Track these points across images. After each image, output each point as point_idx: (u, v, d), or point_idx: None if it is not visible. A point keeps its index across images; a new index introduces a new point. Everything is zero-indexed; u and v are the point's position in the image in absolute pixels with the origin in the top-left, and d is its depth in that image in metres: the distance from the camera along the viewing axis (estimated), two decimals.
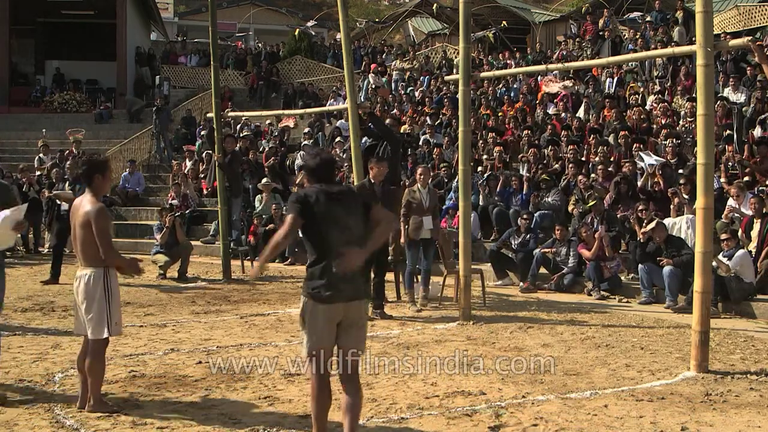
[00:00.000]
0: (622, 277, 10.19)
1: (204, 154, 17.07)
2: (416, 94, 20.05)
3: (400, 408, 5.17)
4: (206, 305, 9.18)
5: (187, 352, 6.74)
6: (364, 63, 24.42)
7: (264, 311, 8.80)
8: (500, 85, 18.63)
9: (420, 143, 15.56)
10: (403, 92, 20.71)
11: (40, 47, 27.77)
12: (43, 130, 20.58)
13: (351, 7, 39.44)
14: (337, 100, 19.94)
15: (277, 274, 11.63)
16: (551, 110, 16.07)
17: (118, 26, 25.11)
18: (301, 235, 4.26)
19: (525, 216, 11.03)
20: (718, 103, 12.49)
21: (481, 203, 12.29)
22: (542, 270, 10.49)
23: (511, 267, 11.05)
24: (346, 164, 13.96)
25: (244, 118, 18.37)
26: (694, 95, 11.81)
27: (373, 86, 20.37)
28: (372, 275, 8.23)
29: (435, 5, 28.57)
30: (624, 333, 7.63)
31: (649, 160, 11.07)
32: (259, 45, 29.90)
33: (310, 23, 33.22)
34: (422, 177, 9.10)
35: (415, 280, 9.28)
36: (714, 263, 8.16)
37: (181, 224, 12.20)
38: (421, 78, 21.44)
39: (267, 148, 16.92)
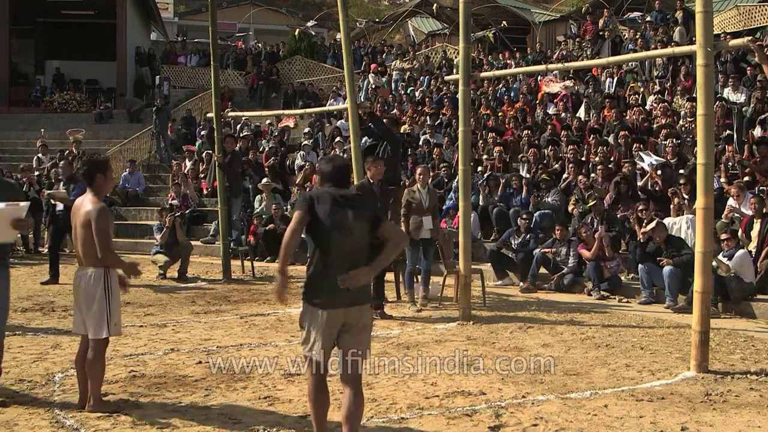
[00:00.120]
0: (622, 277, 10.19)
1: (204, 154, 17.08)
2: (416, 94, 20.05)
3: (400, 408, 5.17)
4: (206, 305, 9.18)
5: (187, 352, 6.74)
6: (364, 63, 24.42)
7: (264, 311, 8.80)
8: (500, 85, 18.63)
9: (420, 143, 15.56)
10: (403, 92, 20.72)
11: (40, 47, 27.78)
12: (42, 130, 20.58)
13: (351, 7, 39.45)
14: (337, 100, 19.95)
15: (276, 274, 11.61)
16: (551, 110, 16.07)
17: (118, 26, 25.12)
18: (304, 235, 4.23)
19: (525, 216, 11.03)
20: (717, 103, 12.49)
21: (481, 203, 12.29)
22: (542, 270, 10.49)
23: (511, 267, 11.05)
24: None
25: (244, 118, 18.38)
26: (694, 95, 11.81)
27: (373, 86, 20.37)
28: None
29: (435, 5, 28.58)
30: (624, 333, 7.63)
31: (649, 159, 11.07)
32: (259, 45, 29.88)
33: (310, 23, 33.24)
34: (422, 177, 9.10)
35: (415, 280, 9.29)
36: (714, 263, 8.16)
37: (181, 224, 12.20)
38: (421, 78, 21.44)
39: (267, 148, 16.94)
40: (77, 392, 5.19)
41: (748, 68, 14.72)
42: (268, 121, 20.17)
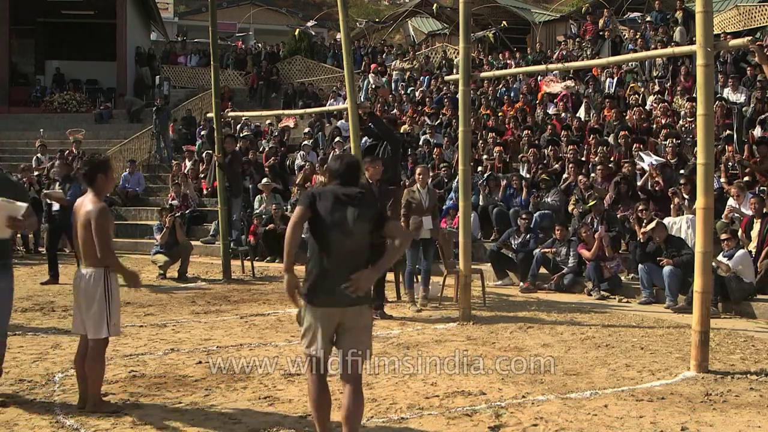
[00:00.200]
0: (622, 277, 10.19)
1: (204, 154, 17.08)
2: (416, 94, 20.05)
3: (400, 408, 5.17)
4: (206, 305, 9.18)
5: (187, 352, 6.74)
6: (364, 63, 24.43)
7: (264, 311, 8.80)
8: (500, 85, 18.63)
9: (420, 143, 15.56)
10: (403, 92, 20.72)
11: (40, 47, 27.79)
12: (41, 130, 20.57)
13: (351, 7, 39.46)
14: (337, 100, 19.94)
15: (277, 274, 11.63)
16: (551, 110, 16.08)
17: (118, 26, 25.13)
18: (304, 234, 4.21)
19: (524, 216, 11.03)
20: (717, 103, 12.50)
21: (481, 203, 12.29)
22: (542, 270, 10.49)
23: (511, 267, 11.05)
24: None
25: (244, 118, 18.38)
26: (694, 95, 11.81)
27: (373, 86, 20.36)
28: None
29: (435, 5, 28.58)
30: (624, 333, 7.63)
31: (649, 159, 11.07)
32: (259, 45, 29.88)
33: (310, 23, 33.24)
34: (421, 177, 9.11)
35: (415, 280, 9.29)
36: (714, 263, 8.16)
37: (181, 224, 12.20)
38: (421, 78, 21.44)
39: (267, 148, 16.94)
40: (77, 392, 5.19)
41: (748, 68, 14.72)
42: (268, 121, 20.17)
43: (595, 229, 10.25)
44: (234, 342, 7.19)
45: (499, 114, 16.62)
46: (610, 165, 12.14)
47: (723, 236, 9.04)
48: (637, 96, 15.21)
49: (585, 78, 17.32)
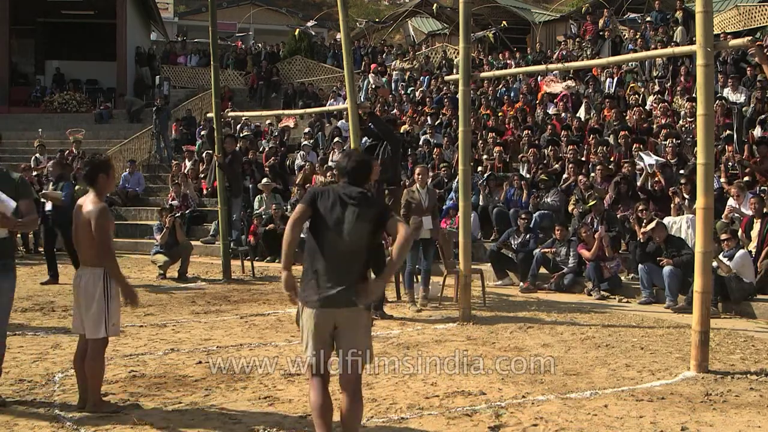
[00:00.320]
0: (622, 277, 10.19)
1: (204, 154, 17.08)
2: (416, 94, 20.06)
3: (400, 408, 5.17)
4: (206, 305, 9.18)
5: (187, 352, 6.74)
6: (364, 63, 24.43)
7: (264, 311, 8.80)
8: (500, 85, 18.63)
9: (420, 143, 15.56)
10: (403, 92, 20.72)
11: (40, 47, 27.79)
12: (40, 130, 20.56)
13: (351, 7, 39.47)
14: (337, 100, 19.95)
15: (277, 274, 11.62)
16: (551, 110, 16.08)
17: (118, 26, 25.13)
18: (304, 234, 4.18)
19: (524, 216, 11.03)
20: (717, 102, 12.50)
21: (481, 203, 12.29)
22: (542, 270, 10.49)
23: (511, 267, 11.05)
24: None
25: (244, 118, 18.38)
26: (694, 95, 11.81)
27: (373, 86, 20.37)
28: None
29: (435, 5, 28.58)
30: (624, 333, 7.63)
31: (649, 160, 11.07)
32: (259, 45, 29.88)
33: (310, 23, 33.25)
34: (420, 177, 9.11)
35: (415, 280, 9.29)
36: (714, 263, 8.16)
37: (181, 224, 12.20)
38: (421, 78, 21.45)
39: (267, 148, 16.94)
40: (77, 392, 5.18)
41: (748, 68, 14.72)
42: (268, 121, 20.18)
43: (595, 229, 10.26)
44: (234, 342, 7.19)
45: (499, 114, 16.63)
46: (610, 167, 12.12)
47: (723, 236, 9.04)
48: (637, 96, 15.21)
49: (585, 78, 17.32)
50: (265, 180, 14.81)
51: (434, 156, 14.49)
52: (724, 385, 5.72)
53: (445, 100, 17.82)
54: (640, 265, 9.49)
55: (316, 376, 4.09)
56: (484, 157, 13.69)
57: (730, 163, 11.37)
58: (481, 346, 7.00)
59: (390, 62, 24.04)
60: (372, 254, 4.12)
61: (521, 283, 10.53)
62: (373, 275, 8.46)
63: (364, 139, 10.88)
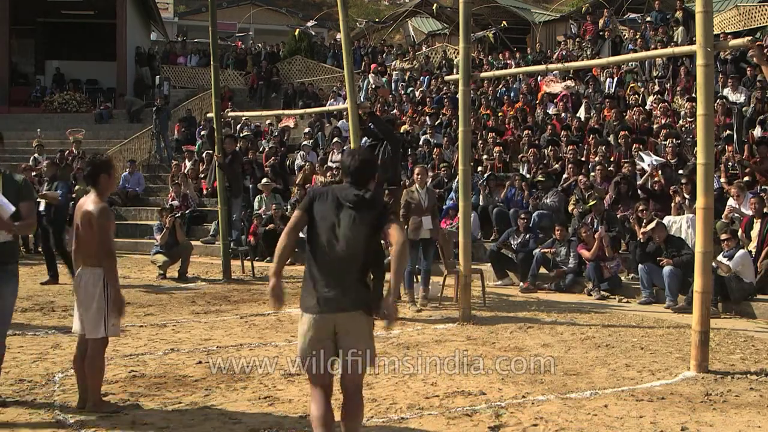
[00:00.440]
0: (622, 277, 10.19)
1: (204, 154, 17.08)
2: (416, 94, 20.05)
3: (400, 408, 5.17)
4: (206, 305, 9.18)
5: (187, 352, 6.74)
6: (364, 63, 24.44)
7: (264, 311, 8.79)
8: (500, 85, 18.63)
9: (420, 143, 15.56)
10: (403, 92, 20.71)
11: (40, 47, 27.78)
12: (38, 130, 20.55)
13: (351, 7, 39.46)
14: (337, 100, 19.95)
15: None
16: (551, 110, 16.08)
17: (118, 26, 25.12)
18: (304, 234, 4.11)
19: (523, 216, 11.03)
20: (718, 101, 12.50)
21: (481, 203, 12.29)
22: (542, 270, 10.49)
23: (511, 267, 11.05)
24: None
25: (244, 118, 18.38)
26: (694, 95, 11.81)
27: (373, 86, 20.38)
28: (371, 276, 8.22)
29: (435, 5, 28.58)
30: (624, 333, 7.63)
31: (649, 159, 11.07)
32: (259, 45, 29.88)
33: (310, 23, 33.25)
34: (420, 177, 9.11)
35: (415, 280, 9.28)
36: (714, 263, 8.16)
37: (181, 224, 12.20)
38: (421, 78, 21.44)
39: (267, 148, 16.94)
40: (77, 392, 5.18)
41: (748, 68, 14.72)
42: (268, 121, 20.17)
43: (595, 229, 10.26)
44: (234, 342, 7.19)
45: (499, 114, 16.62)
46: (610, 169, 12.12)
47: (723, 236, 9.04)
48: (637, 96, 15.22)
49: (585, 78, 17.32)
50: (265, 180, 14.81)
51: (434, 156, 14.49)
52: (724, 385, 5.72)
53: (445, 100, 17.82)
54: (640, 265, 9.49)
55: (317, 387, 3.94)
56: (484, 157, 13.69)
57: (730, 163, 11.37)
58: (481, 346, 7.00)
59: (390, 62, 24.04)
60: (371, 257, 4.00)
61: (521, 283, 10.53)
62: (372, 276, 8.50)
63: (364, 139, 10.88)
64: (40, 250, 14.06)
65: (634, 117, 14.00)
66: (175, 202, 15.09)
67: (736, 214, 9.96)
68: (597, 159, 12.53)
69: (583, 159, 12.82)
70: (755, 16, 21.16)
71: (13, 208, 4.88)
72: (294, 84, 24.44)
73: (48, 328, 7.70)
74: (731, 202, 10.15)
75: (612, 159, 12.62)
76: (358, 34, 31.23)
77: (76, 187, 14.09)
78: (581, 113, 15.54)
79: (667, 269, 9.06)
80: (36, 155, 17.37)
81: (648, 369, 6.21)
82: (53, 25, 27.31)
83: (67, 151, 17.39)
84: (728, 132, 12.42)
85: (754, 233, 9.42)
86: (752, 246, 9.34)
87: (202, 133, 17.97)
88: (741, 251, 8.87)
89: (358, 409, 4.03)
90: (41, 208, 10.73)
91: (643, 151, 11.60)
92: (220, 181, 11.57)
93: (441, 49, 25.33)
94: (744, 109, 13.00)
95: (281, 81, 25.37)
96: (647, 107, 14.64)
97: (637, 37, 18.38)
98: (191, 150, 18.30)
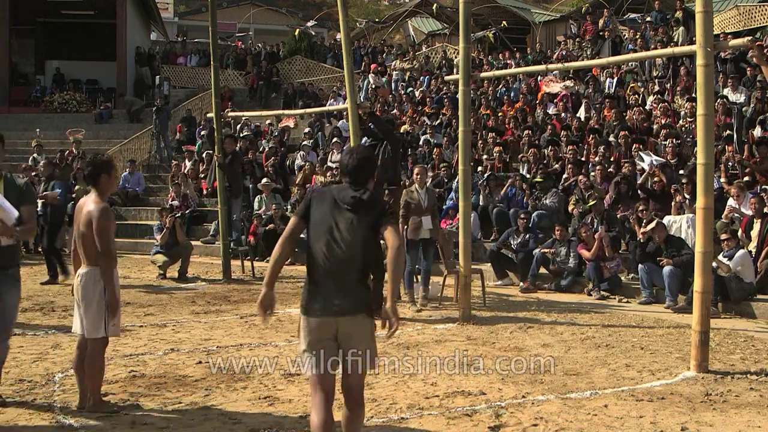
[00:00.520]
0: (622, 277, 10.19)
1: (204, 154, 17.08)
2: (416, 94, 20.05)
3: (400, 408, 5.17)
4: (206, 305, 9.18)
5: (187, 352, 6.74)
6: (364, 63, 24.44)
7: None
8: (500, 85, 18.63)
9: (420, 143, 15.57)
10: (403, 92, 20.71)
11: (40, 47, 27.78)
12: (37, 130, 20.56)
13: (351, 7, 39.47)
14: (337, 100, 19.94)
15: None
16: (551, 110, 16.08)
17: (118, 26, 25.12)
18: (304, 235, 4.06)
19: (523, 216, 11.03)
20: (718, 101, 12.50)
21: (481, 203, 12.29)
22: (542, 270, 10.49)
23: (511, 267, 11.05)
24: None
25: (244, 118, 18.38)
26: (694, 95, 11.81)
27: (373, 86, 20.38)
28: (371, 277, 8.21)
29: (435, 5, 28.58)
30: (624, 333, 7.63)
31: (649, 159, 11.08)
32: (259, 45, 29.89)
33: (310, 23, 33.25)
34: (419, 177, 9.11)
35: (415, 279, 9.28)
36: (714, 263, 8.16)
37: (181, 224, 12.20)
38: (421, 78, 21.44)
39: (267, 148, 16.94)
40: (77, 392, 5.19)
41: (748, 68, 14.72)
42: (268, 121, 20.17)
43: (595, 229, 10.25)
44: (234, 342, 7.19)
45: (499, 114, 16.63)
46: (610, 170, 12.11)
47: (723, 236, 9.04)
48: (637, 96, 15.21)
49: (585, 78, 17.32)
50: (265, 180, 14.81)
51: (434, 156, 14.49)
52: (724, 385, 5.72)
53: (445, 100, 17.82)
54: (640, 265, 9.49)
55: (318, 392, 3.85)
56: (484, 157, 13.69)
57: (730, 163, 11.37)
58: (481, 346, 7.00)
59: (390, 62, 24.04)
60: (371, 259, 3.92)
61: (521, 283, 10.53)
62: (372, 276, 8.49)
63: (364, 139, 10.89)
64: (39, 250, 14.11)
65: (634, 117, 14.00)
66: (175, 202, 15.09)
67: (736, 214, 9.96)
68: (597, 159, 12.53)
69: (583, 159, 12.81)
70: (755, 16, 21.16)
71: (17, 214, 4.85)
72: (294, 84, 24.44)
73: (48, 328, 7.70)
74: (731, 202, 10.15)
75: (612, 159, 12.62)
76: (358, 34, 31.23)
77: (76, 187, 14.11)
78: (581, 113, 15.54)
79: (667, 269, 9.06)
80: (35, 155, 17.36)
81: (648, 369, 6.21)
82: (53, 25, 27.30)
83: (67, 151, 17.38)
84: (728, 132, 12.42)
85: (754, 233, 9.42)
86: (752, 246, 9.34)
87: (202, 133, 17.97)
88: (741, 251, 8.88)
89: (359, 413, 3.98)
90: (38, 208, 10.72)
91: (643, 151, 11.60)
92: (220, 181, 11.57)
93: (441, 49, 25.33)
94: (744, 109, 13.00)
95: (281, 81, 25.37)
96: (647, 107, 14.64)
97: (637, 37, 18.37)
98: (191, 150, 18.31)
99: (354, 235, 3.81)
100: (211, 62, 11.67)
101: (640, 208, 10.12)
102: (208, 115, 15.51)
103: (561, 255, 10.36)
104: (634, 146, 12.30)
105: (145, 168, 19.58)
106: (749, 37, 9.64)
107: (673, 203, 10.45)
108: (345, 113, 12.41)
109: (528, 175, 12.75)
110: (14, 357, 6.38)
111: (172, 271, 11.42)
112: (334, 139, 16.31)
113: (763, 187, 10.49)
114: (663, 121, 13.53)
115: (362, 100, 17.10)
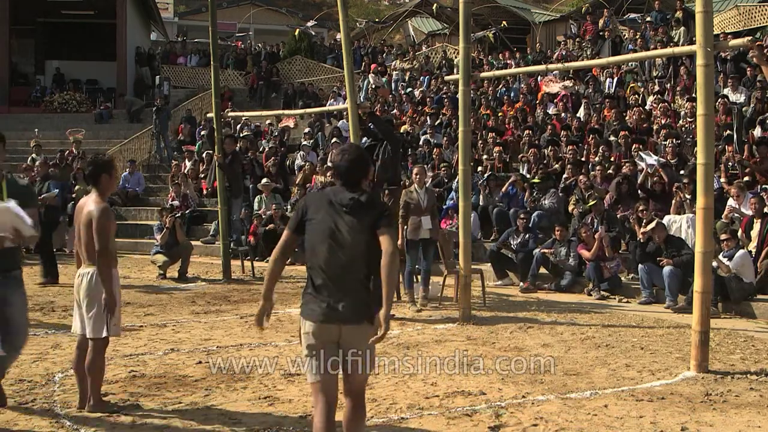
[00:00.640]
0: (622, 277, 10.19)
1: (204, 154, 17.08)
2: (416, 94, 20.05)
3: (400, 408, 5.17)
4: (206, 305, 9.18)
5: (187, 352, 6.74)
6: (364, 63, 24.43)
7: None
8: (500, 85, 18.63)
9: (420, 143, 15.57)
10: (403, 92, 20.71)
11: (40, 47, 27.77)
12: (36, 130, 20.54)
13: (351, 7, 39.48)
14: (337, 100, 19.95)
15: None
16: (551, 110, 16.08)
17: (118, 26, 25.12)
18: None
19: (523, 216, 11.03)
20: (718, 101, 12.50)
21: (481, 203, 12.29)
22: (542, 270, 10.49)
23: (511, 267, 11.04)
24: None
25: (244, 118, 18.37)
26: (694, 95, 11.81)
27: (373, 86, 20.37)
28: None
29: (435, 5, 28.59)
30: (624, 333, 7.63)
31: (649, 160, 11.08)
32: (259, 45, 29.89)
33: (310, 23, 33.24)
34: (418, 177, 9.10)
35: (414, 280, 9.28)
36: (714, 263, 8.16)
37: (181, 224, 12.20)
38: (421, 78, 21.44)
39: (267, 148, 16.94)
40: (77, 392, 5.18)
41: (748, 68, 14.72)
42: (268, 121, 20.17)
43: (595, 229, 10.25)
44: (234, 342, 7.19)
45: (499, 114, 16.63)
46: (610, 171, 12.11)
47: (723, 236, 9.04)
48: (637, 96, 15.21)
49: (585, 78, 17.33)
50: (265, 180, 14.81)
51: (434, 156, 14.49)
52: (724, 385, 5.72)
53: (445, 100, 17.82)
54: (640, 265, 9.49)
55: (320, 398, 3.80)
56: (484, 157, 13.69)
57: (730, 163, 11.37)
58: (481, 346, 7.00)
59: (390, 62, 24.04)
60: (373, 261, 3.78)
61: (521, 283, 10.53)
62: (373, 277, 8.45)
63: (364, 139, 10.89)
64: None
65: (634, 117, 14.00)
66: (175, 202, 15.09)
67: (736, 214, 9.96)
68: (597, 159, 12.54)
69: (583, 159, 12.81)
70: (755, 16, 21.16)
71: (30, 221, 4.77)
72: (294, 84, 24.44)
73: (48, 328, 7.69)
74: (731, 202, 10.15)
75: (612, 159, 12.62)
76: (358, 34, 31.23)
77: (76, 187, 14.11)
78: (581, 113, 15.54)
79: (667, 269, 9.06)
80: (34, 155, 17.35)
81: (648, 369, 6.21)
82: (53, 25, 27.29)
83: (67, 151, 17.37)
84: (728, 132, 12.42)
85: (754, 233, 9.42)
86: (752, 246, 9.34)
87: (202, 133, 17.97)
88: (741, 251, 8.88)
89: (360, 413, 3.96)
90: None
91: (643, 151, 11.60)
92: (220, 181, 11.57)
93: (441, 49, 25.32)
94: (744, 109, 13.00)
95: (281, 81, 25.37)
96: (647, 107, 14.64)
97: (637, 37, 18.37)
98: (191, 150, 18.30)
99: (356, 238, 3.75)
100: (211, 62, 11.67)
101: (640, 208, 10.12)
102: (208, 115, 15.51)
103: (561, 255, 10.36)
104: (634, 146, 12.30)
105: (145, 168, 19.58)
106: (749, 37, 9.64)
107: (673, 202, 10.44)
108: (345, 113, 12.41)
109: (528, 175, 12.75)
110: None
111: (172, 271, 11.42)
112: (334, 139, 16.31)
113: (763, 187, 10.49)
114: (663, 121, 13.53)
115: (362, 100, 17.10)
